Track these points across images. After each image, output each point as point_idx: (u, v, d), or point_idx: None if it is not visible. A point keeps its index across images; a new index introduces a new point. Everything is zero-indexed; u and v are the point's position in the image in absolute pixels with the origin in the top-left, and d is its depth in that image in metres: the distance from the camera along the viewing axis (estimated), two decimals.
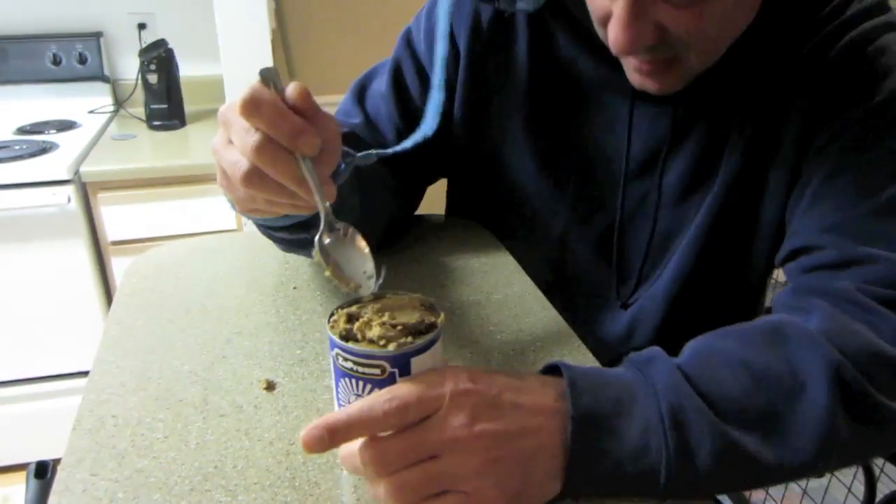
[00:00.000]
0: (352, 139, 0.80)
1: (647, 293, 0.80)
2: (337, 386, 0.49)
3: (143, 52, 1.94)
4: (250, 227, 0.73)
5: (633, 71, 0.63)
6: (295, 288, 0.77)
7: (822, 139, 0.62)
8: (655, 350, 0.53)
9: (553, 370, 0.51)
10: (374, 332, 0.47)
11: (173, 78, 1.97)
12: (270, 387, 0.61)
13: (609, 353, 0.80)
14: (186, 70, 2.05)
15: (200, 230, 1.78)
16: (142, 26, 2.10)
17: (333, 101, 2.47)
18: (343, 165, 0.59)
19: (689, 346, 0.54)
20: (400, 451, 0.44)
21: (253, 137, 0.47)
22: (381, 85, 0.85)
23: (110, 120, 2.09)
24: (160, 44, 1.95)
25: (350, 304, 0.51)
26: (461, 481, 0.45)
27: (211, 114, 2.12)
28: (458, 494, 0.45)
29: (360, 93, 0.86)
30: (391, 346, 0.46)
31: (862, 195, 0.58)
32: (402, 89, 0.83)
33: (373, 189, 0.76)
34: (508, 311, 0.73)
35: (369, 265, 0.52)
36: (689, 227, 0.74)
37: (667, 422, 0.47)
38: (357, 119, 0.84)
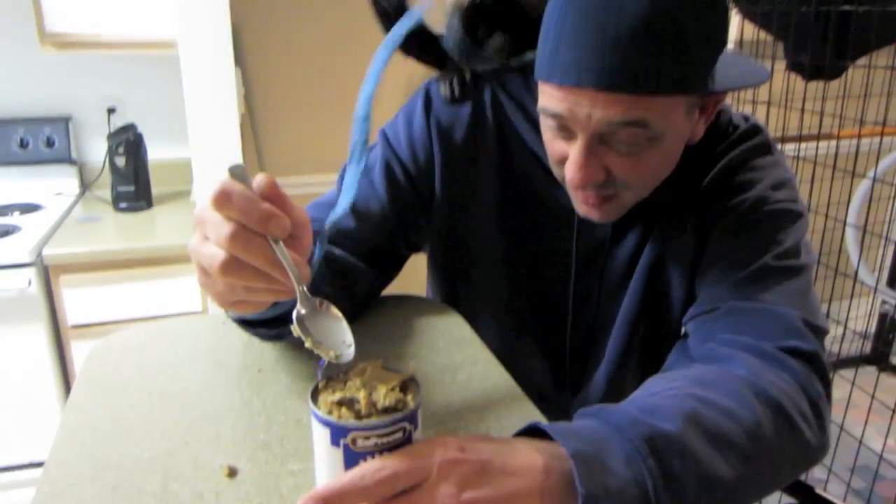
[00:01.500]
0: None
1: (592, 380, 0.92)
2: None
3: (112, 136, 1.96)
4: (215, 309, 0.73)
5: (581, 203, 0.75)
6: (259, 371, 0.77)
7: (712, 232, 0.79)
8: (600, 405, 0.59)
9: (526, 433, 0.55)
10: (390, 399, 0.49)
11: (141, 161, 1.98)
12: (232, 473, 0.60)
13: None
14: (155, 153, 2.07)
15: (165, 313, 1.76)
16: (111, 110, 2.13)
17: (301, 182, 2.48)
18: (317, 251, 0.61)
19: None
20: None
21: (227, 227, 0.50)
22: (367, 183, 0.88)
23: (76, 202, 2.08)
24: (129, 128, 1.97)
25: (324, 391, 0.51)
26: None
27: (179, 195, 2.13)
28: None
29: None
30: (411, 404, 0.49)
31: (741, 268, 0.74)
32: (396, 188, 0.88)
33: (350, 273, 0.82)
34: (473, 390, 0.74)
35: (347, 334, 0.54)
36: (618, 313, 0.87)
37: (643, 451, 0.52)
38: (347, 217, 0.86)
